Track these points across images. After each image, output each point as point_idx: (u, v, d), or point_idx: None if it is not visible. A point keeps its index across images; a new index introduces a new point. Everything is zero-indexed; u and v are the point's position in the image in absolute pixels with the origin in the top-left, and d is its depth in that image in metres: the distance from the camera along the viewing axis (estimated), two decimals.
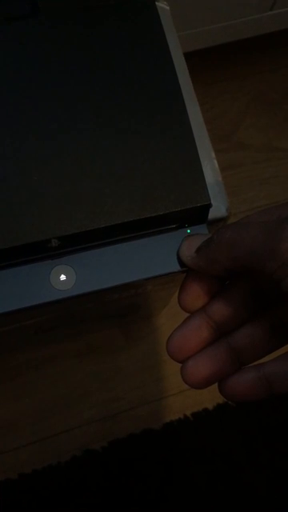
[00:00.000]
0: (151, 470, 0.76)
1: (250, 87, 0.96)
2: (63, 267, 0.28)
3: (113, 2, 0.31)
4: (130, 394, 0.81)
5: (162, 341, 0.83)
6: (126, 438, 0.77)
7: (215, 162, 0.34)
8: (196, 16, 0.69)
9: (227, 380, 0.26)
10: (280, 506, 0.75)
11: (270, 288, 0.26)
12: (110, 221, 0.27)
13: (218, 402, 0.80)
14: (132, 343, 0.83)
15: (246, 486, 0.76)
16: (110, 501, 0.74)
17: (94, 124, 0.29)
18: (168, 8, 0.36)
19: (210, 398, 0.79)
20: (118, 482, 0.75)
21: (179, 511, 0.75)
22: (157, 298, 0.73)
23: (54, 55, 0.30)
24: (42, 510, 0.74)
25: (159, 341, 0.83)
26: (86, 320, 0.70)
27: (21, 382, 0.79)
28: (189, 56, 0.38)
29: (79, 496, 0.74)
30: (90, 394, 0.80)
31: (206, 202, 0.28)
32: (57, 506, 0.74)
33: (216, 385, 0.27)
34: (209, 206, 0.28)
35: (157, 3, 0.32)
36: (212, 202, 0.28)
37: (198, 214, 0.29)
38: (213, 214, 0.30)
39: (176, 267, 0.29)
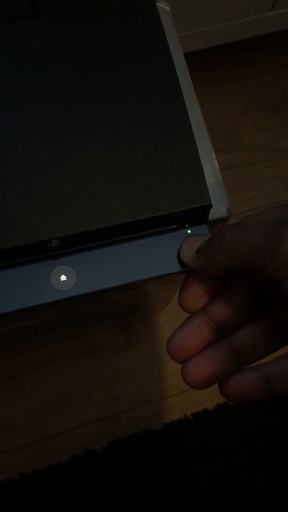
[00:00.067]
0: (151, 470, 0.76)
1: (250, 87, 0.96)
2: (63, 267, 0.28)
3: (113, 2, 0.31)
4: (130, 395, 0.81)
5: (163, 341, 0.83)
6: (126, 439, 0.77)
7: (215, 162, 0.34)
8: (196, 16, 0.69)
9: (228, 380, 0.26)
10: (280, 505, 0.75)
11: (271, 288, 0.26)
12: (110, 221, 0.27)
13: (218, 402, 0.80)
14: (132, 343, 0.83)
15: (246, 485, 0.76)
16: (110, 501, 0.74)
17: (94, 124, 0.29)
18: (168, 8, 0.36)
19: (210, 398, 0.79)
20: (117, 482, 0.75)
21: (179, 511, 0.75)
22: (157, 299, 0.73)
23: (54, 55, 0.30)
24: (42, 510, 0.74)
25: (159, 341, 0.83)
26: (86, 320, 0.70)
27: (21, 382, 0.79)
28: (189, 56, 0.38)
29: (79, 496, 0.74)
30: (90, 394, 0.80)
31: (206, 202, 0.28)
32: (57, 506, 0.74)
33: (216, 385, 0.27)
34: (209, 206, 0.28)
35: (157, 3, 0.32)
36: (212, 202, 0.28)
37: (198, 215, 0.29)
38: (213, 214, 0.30)
39: (176, 267, 0.29)
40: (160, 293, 0.69)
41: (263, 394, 0.25)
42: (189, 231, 0.29)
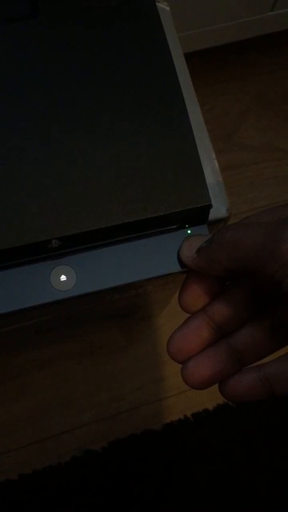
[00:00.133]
0: (151, 470, 0.76)
1: (250, 88, 0.96)
2: (63, 268, 0.28)
3: (113, 2, 0.31)
4: (130, 395, 0.81)
5: (163, 341, 0.83)
6: (127, 439, 0.77)
7: (215, 162, 0.34)
8: (196, 16, 0.69)
9: (228, 381, 0.26)
10: (280, 505, 0.75)
11: (271, 288, 0.26)
12: (110, 221, 0.27)
13: (218, 402, 0.80)
14: (132, 344, 0.83)
15: (246, 486, 0.76)
16: (110, 501, 0.74)
17: (94, 124, 0.29)
18: (168, 9, 0.36)
19: (210, 398, 0.80)
20: (117, 482, 0.75)
21: (179, 511, 0.75)
22: (157, 299, 0.73)
23: (54, 56, 0.30)
24: (41, 510, 0.74)
25: (159, 341, 0.83)
26: (86, 320, 0.70)
27: (21, 382, 0.80)
28: (189, 56, 0.38)
29: (79, 496, 0.74)
30: (90, 394, 0.80)
31: (206, 202, 0.28)
32: (57, 506, 0.74)
33: (216, 385, 0.27)
34: (209, 206, 0.28)
35: (157, 4, 0.32)
36: (212, 202, 0.28)
37: (198, 215, 0.29)
38: (213, 214, 0.30)
39: (176, 268, 0.29)
40: (160, 293, 0.69)
41: (263, 394, 0.25)
42: (189, 231, 0.29)
